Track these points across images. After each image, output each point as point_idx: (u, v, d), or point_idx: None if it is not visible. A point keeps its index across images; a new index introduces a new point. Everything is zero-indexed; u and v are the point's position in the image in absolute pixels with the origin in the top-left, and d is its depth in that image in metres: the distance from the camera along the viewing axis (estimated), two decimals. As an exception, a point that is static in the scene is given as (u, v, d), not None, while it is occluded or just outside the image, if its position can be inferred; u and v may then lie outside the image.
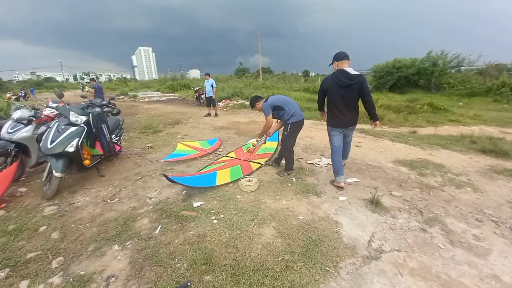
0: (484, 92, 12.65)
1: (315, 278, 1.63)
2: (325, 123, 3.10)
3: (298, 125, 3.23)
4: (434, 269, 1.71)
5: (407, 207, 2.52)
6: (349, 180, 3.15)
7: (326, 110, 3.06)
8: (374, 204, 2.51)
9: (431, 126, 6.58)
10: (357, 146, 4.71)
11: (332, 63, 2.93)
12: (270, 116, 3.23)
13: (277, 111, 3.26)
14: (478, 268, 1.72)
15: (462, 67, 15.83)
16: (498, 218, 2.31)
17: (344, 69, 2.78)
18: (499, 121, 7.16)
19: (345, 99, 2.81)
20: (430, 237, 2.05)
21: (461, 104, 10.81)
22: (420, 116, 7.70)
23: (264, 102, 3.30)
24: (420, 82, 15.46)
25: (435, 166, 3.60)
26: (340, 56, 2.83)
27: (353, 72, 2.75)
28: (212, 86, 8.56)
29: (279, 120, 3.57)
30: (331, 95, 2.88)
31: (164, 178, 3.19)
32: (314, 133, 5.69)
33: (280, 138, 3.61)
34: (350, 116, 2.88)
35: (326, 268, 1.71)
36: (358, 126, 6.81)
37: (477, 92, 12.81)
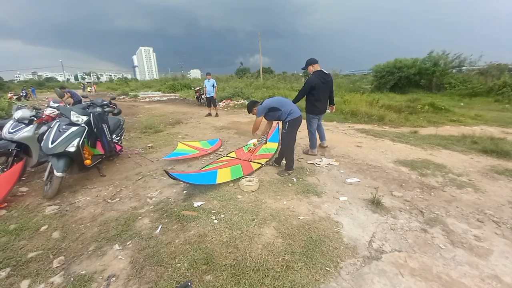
0: (485, 92, 12.58)
1: (315, 278, 1.63)
2: (322, 121, 4.12)
3: (295, 122, 3.28)
4: (435, 270, 1.71)
5: (408, 208, 2.52)
6: (349, 180, 3.15)
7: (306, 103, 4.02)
8: (375, 204, 2.51)
9: (432, 126, 6.55)
10: (358, 146, 4.70)
11: (307, 67, 3.98)
12: (260, 118, 3.35)
13: (274, 112, 3.31)
14: (479, 269, 1.72)
15: (463, 67, 15.76)
16: (499, 219, 2.30)
17: (322, 70, 3.89)
18: (501, 121, 7.13)
19: (324, 93, 3.97)
20: (431, 238, 2.05)
21: (462, 104, 10.76)
22: (421, 116, 7.68)
23: (260, 105, 3.37)
24: (421, 82, 15.41)
25: (436, 166, 3.59)
26: (314, 61, 3.92)
27: (327, 72, 3.90)
28: (213, 86, 8.56)
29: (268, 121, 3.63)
30: (317, 91, 3.84)
31: (165, 178, 3.21)
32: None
33: (280, 138, 3.63)
34: (325, 105, 4.12)
35: (327, 268, 1.71)
36: (359, 126, 6.84)
37: (478, 92, 12.74)
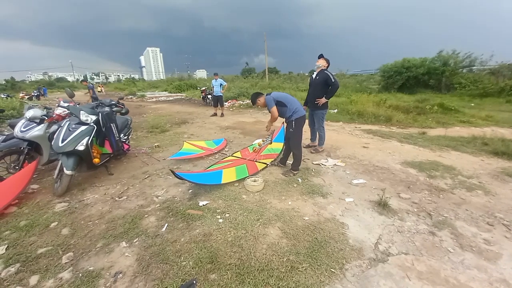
0: (496, 92, 12.28)
1: (320, 280, 1.62)
2: (327, 121, 3.75)
3: (301, 121, 3.28)
4: (443, 273, 1.68)
5: (415, 210, 2.48)
6: (356, 181, 3.12)
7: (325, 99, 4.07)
8: (382, 206, 2.48)
9: (441, 127, 6.43)
10: (364, 147, 4.66)
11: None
12: (274, 107, 3.25)
13: (279, 107, 3.29)
14: (488, 273, 1.68)
15: (474, 67, 15.40)
16: (510, 222, 2.24)
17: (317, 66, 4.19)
18: (512, 122, 6.95)
19: None
20: (439, 241, 2.01)
21: (472, 104, 10.53)
22: (430, 116, 7.54)
23: (267, 95, 3.33)
24: (430, 82, 15.12)
25: (445, 168, 3.52)
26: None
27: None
28: (220, 85, 8.61)
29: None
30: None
31: (171, 177, 3.24)
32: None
33: (285, 138, 3.63)
34: None
35: (332, 269, 1.70)
36: (365, 126, 6.76)
37: (489, 92, 12.43)
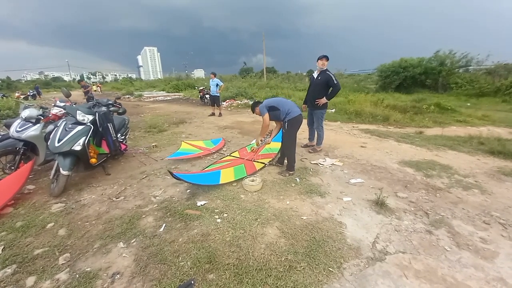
0: (492, 92, 12.40)
1: (318, 279, 1.62)
2: (325, 121, 4.10)
3: (294, 122, 3.30)
4: (440, 272, 1.69)
5: (412, 209, 2.49)
6: (353, 180, 3.13)
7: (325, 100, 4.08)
8: (379, 205, 2.49)
9: (438, 127, 6.48)
10: (362, 146, 4.67)
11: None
12: (266, 115, 3.36)
13: (273, 111, 3.38)
14: (485, 271, 1.70)
15: (471, 67, 15.53)
16: (506, 221, 2.26)
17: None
18: (508, 122, 7.01)
19: None
20: (436, 239, 2.03)
21: (469, 104, 10.61)
22: (427, 116, 7.59)
23: (260, 105, 3.46)
24: (427, 82, 15.23)
25: (442, 167, 3.55)
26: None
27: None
28: (217, 85, 8.58)
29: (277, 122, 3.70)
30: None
31: (169, 177, 3.22)
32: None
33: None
34: None
35: (330, 269, 1.71)
36: (363, 126, 6.79)
37: (485, 92, 12.55)
